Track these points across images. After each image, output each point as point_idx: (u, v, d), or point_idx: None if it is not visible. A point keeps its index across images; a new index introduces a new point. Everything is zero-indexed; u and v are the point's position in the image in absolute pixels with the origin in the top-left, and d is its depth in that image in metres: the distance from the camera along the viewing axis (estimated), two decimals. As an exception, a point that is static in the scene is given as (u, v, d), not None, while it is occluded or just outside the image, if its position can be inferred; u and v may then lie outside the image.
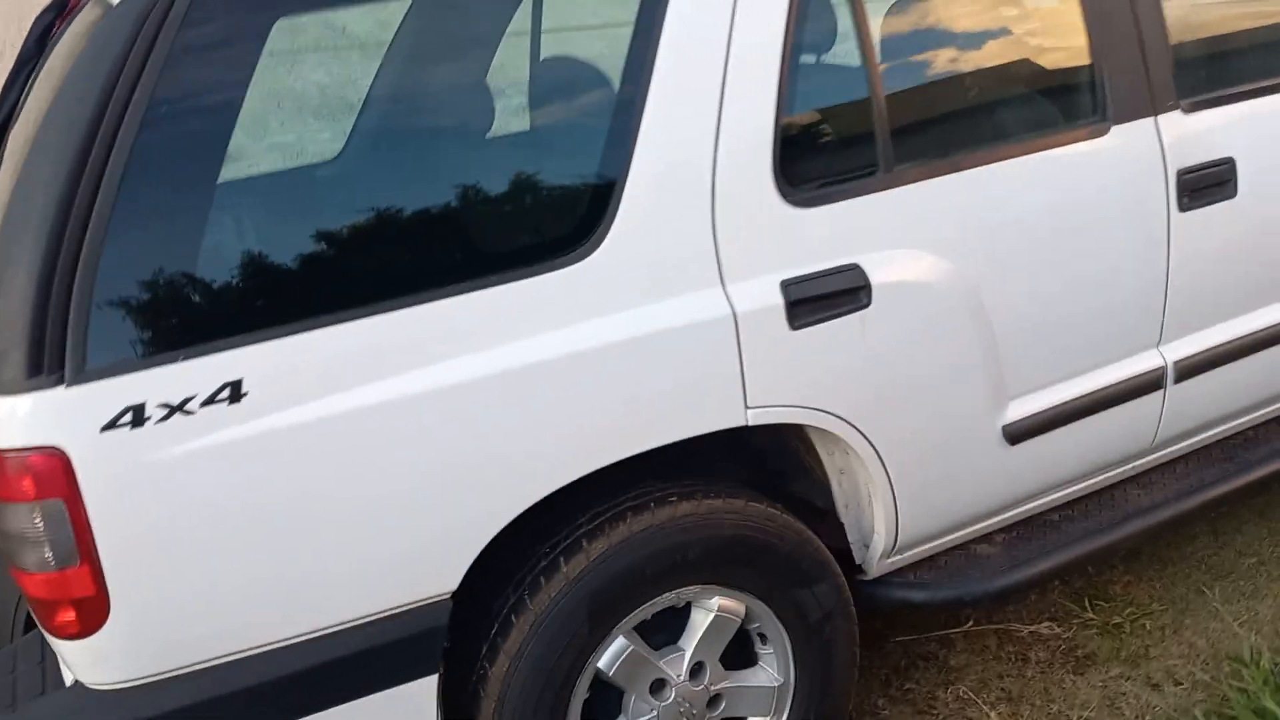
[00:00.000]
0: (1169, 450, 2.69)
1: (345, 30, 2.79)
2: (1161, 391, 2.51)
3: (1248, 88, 2.52)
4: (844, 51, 2.15)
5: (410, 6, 2.33)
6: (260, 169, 2.48)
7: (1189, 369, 2.53)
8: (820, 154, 2.15)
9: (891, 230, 2.13)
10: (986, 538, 2.55)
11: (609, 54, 2.00)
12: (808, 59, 2.13)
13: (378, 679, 1.89)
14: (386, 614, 1.86)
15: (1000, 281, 2.25)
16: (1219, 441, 2.80)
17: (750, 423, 2.04)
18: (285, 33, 1.84)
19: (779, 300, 2.02)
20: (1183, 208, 2.41)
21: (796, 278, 2.03)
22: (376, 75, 2.56)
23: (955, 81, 2.29)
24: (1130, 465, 2.62)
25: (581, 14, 2.33)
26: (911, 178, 2.14)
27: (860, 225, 2.10)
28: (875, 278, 2.09)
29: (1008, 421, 2.33)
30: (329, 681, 1.86)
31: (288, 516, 1.75)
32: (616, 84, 1.98)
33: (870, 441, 2.17)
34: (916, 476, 2.26)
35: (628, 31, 1.96)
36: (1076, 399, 2.41)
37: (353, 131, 2.57)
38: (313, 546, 1.78)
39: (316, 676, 1.84)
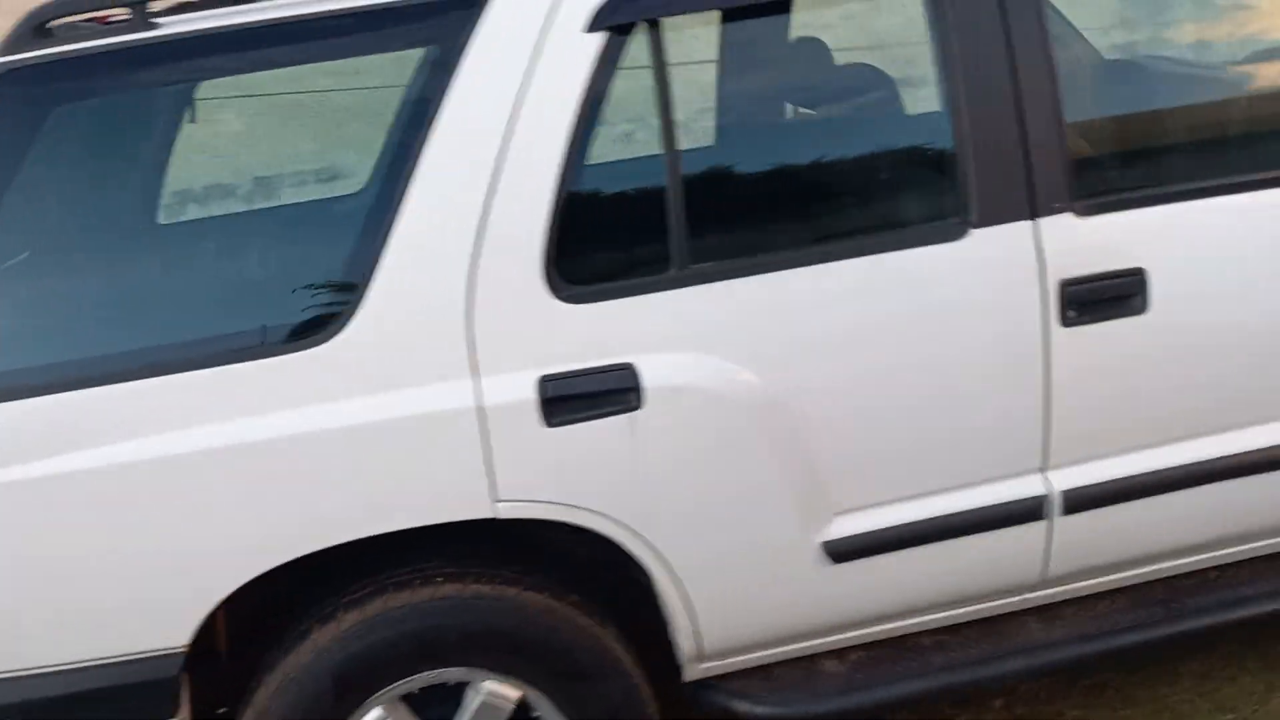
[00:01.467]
0: (1096, 582, 2.40)
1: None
2: (1046, 521, 2.25)
3: (1178, 188, 2.20)
4: (644, 141, 2.07)
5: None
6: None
7: (1088, 499, 2.25)
8: (604, 249, 2.09)
9: (680, 332, 2.04)
10: (839, 653, 2.38)
11: (380, 135, 2.03)
12: (600, 151, 2.06)
13: (123, 714, 2.03)
14: (120, 658, 1.99)
15: (819, 394, 2.09)
16: (1166, 579, 2.47)
17: (501, 515, 2.02)
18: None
19: (533, 396, 1.98)
20: (1068, 322, 2.15)
21: (556, 374, 1.99)
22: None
23: (773, 174, 2.15)
24: (1021, 597, 2.36)
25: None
26: (708, 278, 2.04)
27: (642, 325, 2.03)
28: (650, 380, 2.01)
29: (830, 538, 2.17)
30: (81, 711, 2.02)
31: (21, 562, 1.92)
32: (384, 165, 2.01)
33: (652, 546, 2.09)
34: (713, 585, 2.15)
35: (404, 112, 1.99)
36: (925, 520, 2.20)
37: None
38: (45, 591, 1.94)
39: (66, 704, 2.01)
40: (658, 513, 2.07)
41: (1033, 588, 2.34)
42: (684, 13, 2.08)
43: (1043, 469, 2.24)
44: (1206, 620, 2.41)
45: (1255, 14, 2.52)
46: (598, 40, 2.01)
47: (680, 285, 2.03)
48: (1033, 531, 2.25)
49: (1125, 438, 2.24)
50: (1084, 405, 2.20)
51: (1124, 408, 2.22)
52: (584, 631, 2.15)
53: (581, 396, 2.00)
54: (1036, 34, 2.13)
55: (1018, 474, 2.23)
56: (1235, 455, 2.28)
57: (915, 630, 2.37)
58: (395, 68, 2.03)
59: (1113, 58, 2.43)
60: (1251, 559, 2.48)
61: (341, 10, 2.00)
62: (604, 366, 2.00)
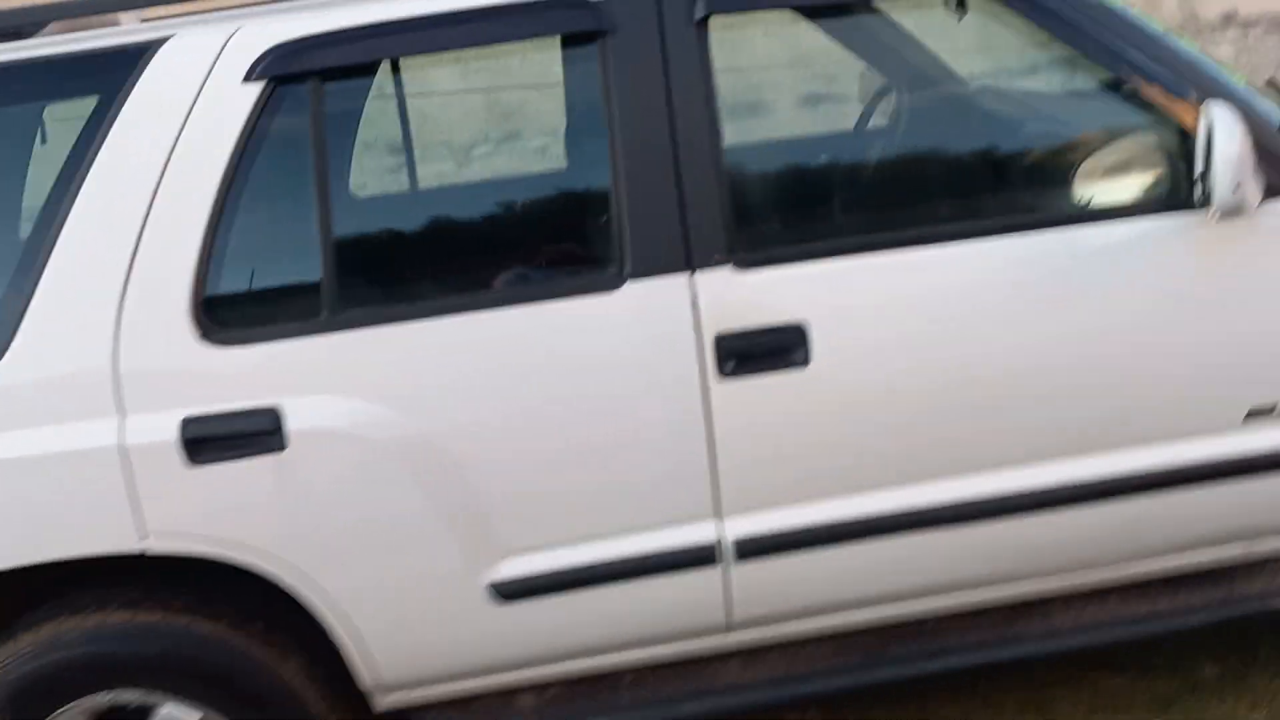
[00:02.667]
0: (807, 626, 2.41)
1: None
2: (720, 567, 2.27)
3: (836, 243, 2.19)
4: (298, 189, 2.14)
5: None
6: None
7: (761, 547, 2.26)
8: (254, 294, 2.17)
9: (329, 376, 2.11)
10: (540, 688, 2.43)
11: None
12: (254, 198, 2.13)
13: None
14: None
15: (475, 438, 2.15)
16: (881, 627, 2.47)
17: (152, 550, 2.11)
18: None
19: (176, 436, 2.07)
20: (726, 374, 2.16)
21: (200, 416, 2.08)
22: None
23: (425, 225, 2.20)
24: (720, 638, 2.37)
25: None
26: (359, 323, 2.11)
27: (291, 368, 2.10)
28: (294, 423, 2.09)
29: (499, 578, 2.22)
30: None
31: None
32: (45, 209, 2.11)
33: (312, 581, 2.17)
34: (379, 620, 2.22)
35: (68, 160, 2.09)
36: (597, 563, 2.24)
37: None
38: None
39: None
40: (312, 550, 2.15)
41: (724, 630, 2.36)
42: (342, 66, 2.14)
43: (716, 516, 2.25)
44: (908, 670, 2.40)
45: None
46: (255, 90, 2.09)
47: (330, 330, 2.11)
48: (708, 577, 2.27)
49: (797, 488, 2.25)
50: (750, 455, 2.22)
51: (791, 458, 2.23)
52: (257, 659, 2.24)
53: (224, 438, 2.08)
54: (699, 90, 2.16)
55: (690, 520, 2.25)
56: (915, 510, 2.27)
57: (619, 667, 2.42)
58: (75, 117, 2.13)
59: (791, 123, 2.43)
60: (970, 611, 2.47)
61: (13, 61, 2.12)
62: (246, 409, 2.08)
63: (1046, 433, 2.26)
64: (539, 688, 2.43)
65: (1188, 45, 2.41)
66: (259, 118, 2.09)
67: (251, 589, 2.24)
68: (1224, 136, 2.01)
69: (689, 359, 2.15)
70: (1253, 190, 2.05)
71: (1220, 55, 5.56)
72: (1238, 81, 2.37)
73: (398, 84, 2.40)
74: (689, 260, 2.15)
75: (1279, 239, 2.23)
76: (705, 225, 2.15)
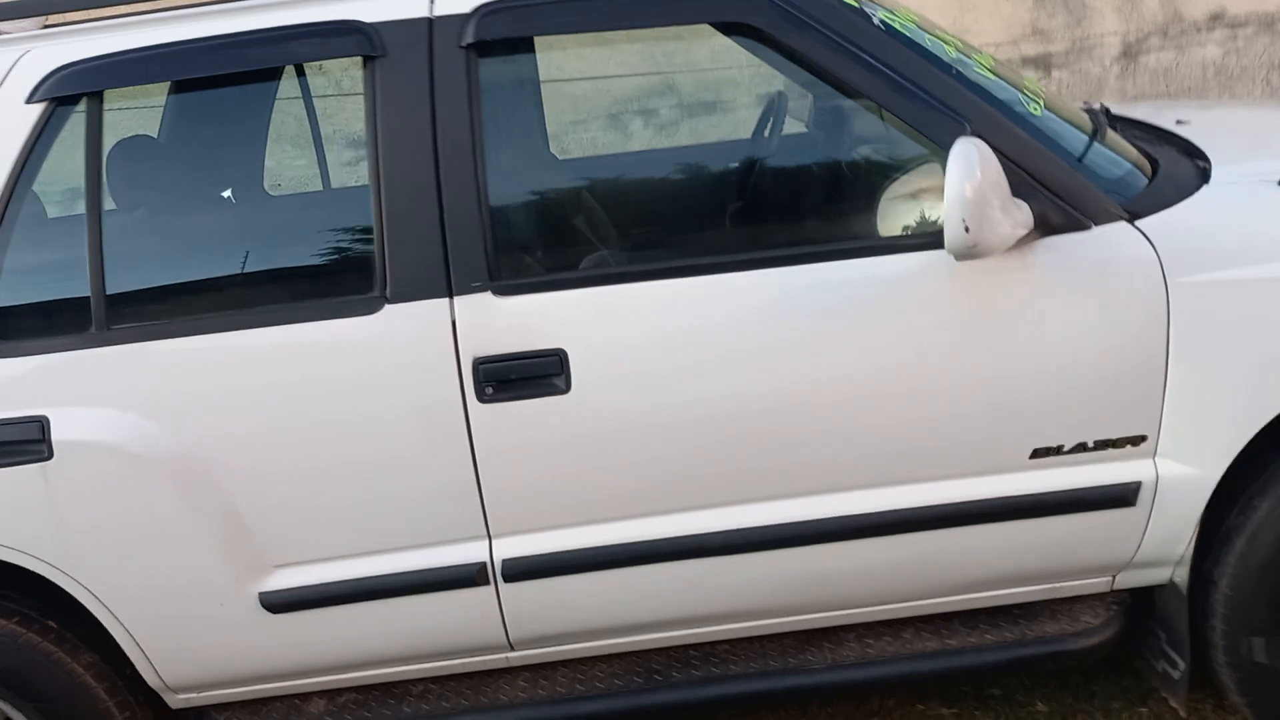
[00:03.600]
0: (596, 645, 2.42)
1: None
2: (491, 587, 2.29)
3: (599, 272, 2.19)
4: (72, 205, 2.20)
5: None
6: None
7: (529, 569, 2.28)
8: (28, 305, 2.24)
9: (95, 388, 2.17)
10: (334, 693, 2.49)
11: None
12: (33, 213, 2.20)
13: None
14: None
15: (239, 454, 2.20)
16: (669, 649, 2.47)
17: None
18: None
19: (-53, 444, 2.16)
20: (485, 399, 2.18)
21: (-33, 424, 2.16)
22: None
23: (192, 245, 2.25)
24: (506, 655, 2.40)
25: None
26: (127, 338, 2.17)
27: (60, 380, 2.17)
28: (59, 433, 2.16)
29: (267, 589, 2.28)
30: None
31: None
32: None
33: (84, 585, 2.25)
34: (153, 625, 2.29)
35: None
36: (368, 578, 2.28)
37: None
38: None
39: None
40: (83, 556, 2.23)
41: (507, 648, 2.39)
42: (120, 87, 2.19)
43: (485, 537, 2.28)
44: (688, 695, 2.41)
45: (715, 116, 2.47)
46: (37, 111, 2.16)
47: (100, 344, 2.17)
48: (481, 596, 2.30)
49: (563, 512, 2.26)
50: (514, 479, 2.23)
51: (555, 483, 2.24)
52: (47, 656, 2.33)
53: (-4, 446, 2.17)
54: (465, 116, 2.16)
55: (460, 540, 2.28)
56: (684, 537, 2.26)
57: (408, 678, 2.46)
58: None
59: (556, 152, 2.40)
60: (761, 637, 2.46)
61: None
62: (13, 418, 2.16)
63: (820, 465, 2.24)
64: (331, 693, 2.49)
65: (982, 71, 2.33)
66: (39, 137, 2.16)
67: (47, 589, 2.33)
68: (953, 175, 1.95)
69: (449, 382, 2.17)
70: (995, 230, 1.98)
71: (1206, 57, 5.37)
72: (1033, 110, 2.29)
73: (173, 107, 2.45)
74: (449, 285, 2.17)
75: (1055, 278, 2.17)
76: (466, 251, 2.16)
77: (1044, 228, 2.14)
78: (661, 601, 2.33)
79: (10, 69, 2.19)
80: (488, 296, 2.17)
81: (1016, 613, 2.44)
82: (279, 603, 2.29)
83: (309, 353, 2.19)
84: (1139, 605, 2.47)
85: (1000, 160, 2.11)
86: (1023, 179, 2.15)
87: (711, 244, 2.22)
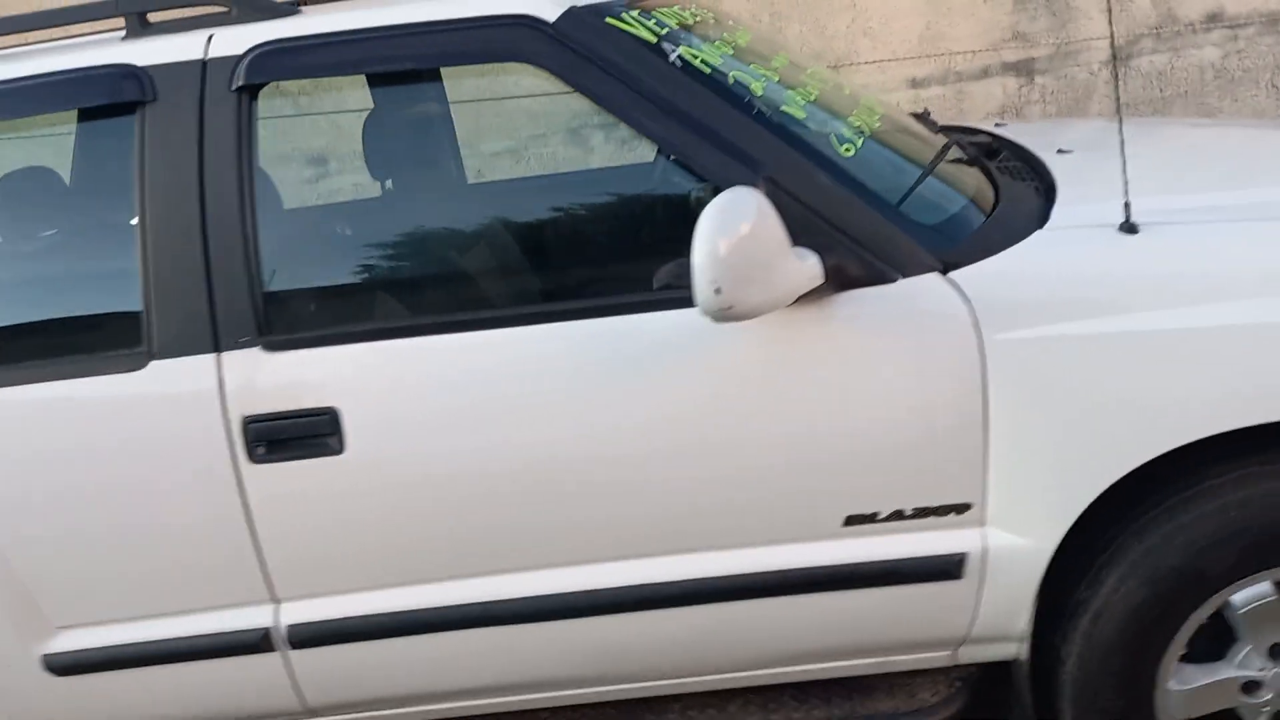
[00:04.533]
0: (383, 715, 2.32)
1: None
2: (279, 653, 2.19)
3: (372, 327, 2.07)
4: None
5: None
6: None
7: (316, 635, 2.17)
8: None
9: None
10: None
11: None
12: None
13: None
14: None
15: (10, 516, 2.14)
16: (511, 714, 2.35)
17: None
18: None
19: None
20: (257, 459, 2.08)
21: None
22: None
23: None
24: (305, 720, 2.31)
25: None
26: None
27: None
28: None
29: (50, 651, 2.21)
30: None
31: None
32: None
33: None
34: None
35: None
36: (151, 641, 2.20)
37: None
38: None
39: None
40: None
41: (305, 714, 2.29)
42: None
43: (273, 601, 2.18)
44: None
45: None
46: None
47: None
48: (269, 661, 2.20)
49: (347, 577, 2.15)
50: (294, 542, 2.13)
51: (335, 547, 2.13)
52: None
53: None
54: (234, 164, 2.06)
55: (245, 604, 2.18)
56: (472, 604, 2.13)
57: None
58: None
59: (321, 204, 2.27)
60: (584, 705, 2.33)
61: None
62: None
63: (607, 528, 2.09)
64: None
65: (797, 107, 2.15)
66: None
67: None
68: (702, 232, 1.78)
69: (219, 441, 2.08)
70: (759, 291, 1.80)
71: (1205, 59, 5.04)
72: (845, 151, 2.10)
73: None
74: (215, 341, 2.07)
75: (858, 334, 1.99)
76: (233, 304, 2.06)
77: (840, 281, 1.96)
78: (457, 670, 2.21)
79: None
80: (256, 352, 2.07)
81: (852, 686, 2.27)
82: (62, 665, 2.22)
83: (76, 410, 2.11)
84: (992, 681, 2.28)
85: (796, 208, 1.95)
86: (820, 228, 1.97)
87: (491, 298, 2.09)
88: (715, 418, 2.02)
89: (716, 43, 2.23)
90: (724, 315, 1.80)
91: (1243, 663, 2.12)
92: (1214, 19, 4.99)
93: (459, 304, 2.11)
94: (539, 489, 2.06)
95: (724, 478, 2.05)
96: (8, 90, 2.12)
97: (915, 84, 5.01)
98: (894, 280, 1.98)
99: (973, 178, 2.32)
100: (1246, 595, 2.06)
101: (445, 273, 2.16)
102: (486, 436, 2.05)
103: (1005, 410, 1.98)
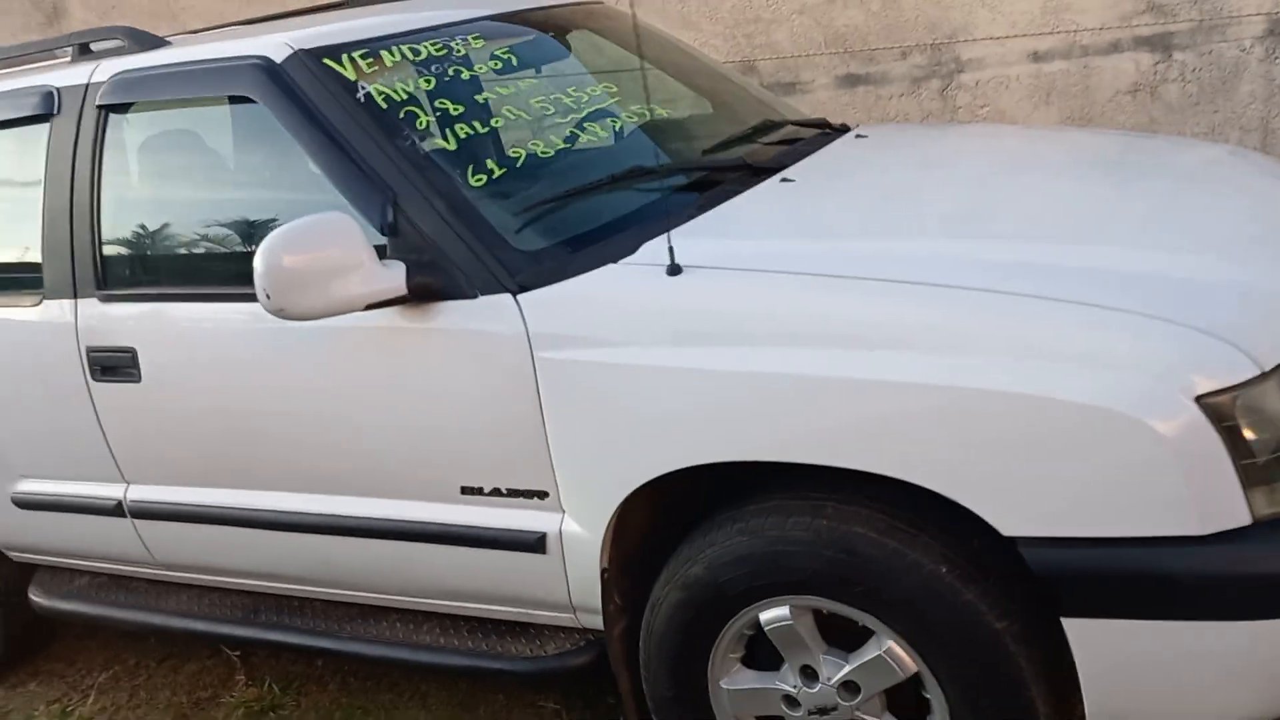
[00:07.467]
0: (198, 579, 3.11)
1: None
2: (129, 520, 3.01)
3: (156, 291, 2.75)
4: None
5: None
6: None
7: (147, 510, 2.97)
8: None
9: None
10: (90, 574, 3.37)
11: None
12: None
13: None
14: None
15: None
16: (261, 595, 3.05)
17: None
18: None
19: None
20: (97, 379, 2.87)
21: None
22: None
23: None
24: (153, 570, 3.14)
25: None
26: None
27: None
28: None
29: (16, 491, 3.20)
30: None
31: None
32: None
33: None
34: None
35: None
36: (60, 495, 3.12)
37: None
38: None
39: None
40: None
41: (152, 564, 3.11)
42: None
43: (123, 481, 3.00)
44: (264, 634, 2.96)
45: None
46: None
47: None
48: (124, 524, 3.03)
49: (161, 473, 2.90)
50: (125, 443, 2.92)
51: (148, 449, 2.88)
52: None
53: None
54: (90, 164, 2.83)
55: (110, 480, 3.02)
56: (234, 507, 2.80)
57: (147, 576, 3.26)
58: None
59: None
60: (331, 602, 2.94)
61: None
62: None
63: (300, 466, 2.66)
64: (91, 574, 3.38)
65: (448, 142, 2.50)
66: None
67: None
68: (264, 246, 2.23)
69: (75, 364, 2.90)
70: (310, 299, 2.24)
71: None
72: (474, 182, 2.44)
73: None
74: (74, 290, 2.88)
75: (445, 340, 2.37)
76: (84, 264, 2.86)
77: (424, 293, 2.35)
78: (230, 553, 2.91)
79: None
80: (95, 301, 2.86)
81: (501, 630, 2.68)
82: (21, 501, 3.20)
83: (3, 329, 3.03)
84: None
85: (408, 227, 2.37)
86: (422, 245, 2.37)
87: (226, 278, 2.68)
88: (342, 395, 2.52)
89: (423, 79, 2.63)
90: (279, 315, 2.29)
91: (783, 678, 2.29)
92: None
93: (207, 279, 2.74)
94: (249, 428, 2.68)
95: (358, 443, 2.55)
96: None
97: (1037, 58, 4.76)
98: (474, 297, 2.34)
99: (623, 202, 2.55)
100: (770, 616, 2.23)
101: (200, 254, 2.80)
102: (220, 380, 2.69)
103: (554, 417, 2.30)
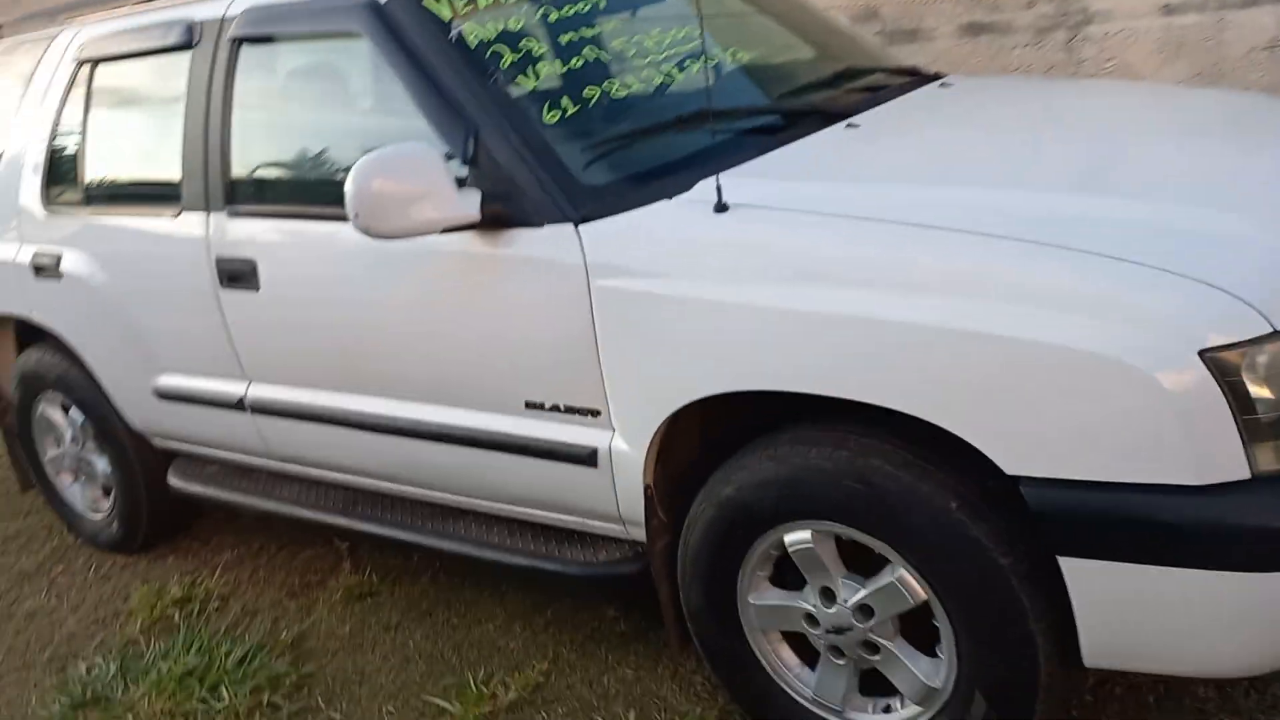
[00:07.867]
0: (306, 472, 3.44)
1: None
2: (247, 413, 3.36)
3: (276, 209, 3.03)
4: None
5: None
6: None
7: (268, 408, 3.30)
8: None
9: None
10: (226, 463, 3.76)
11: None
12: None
13: None
14: None
15: (135, 301, 3.51)
16: (356, 490, 3.36)
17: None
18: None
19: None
20: (225, 286, 3.20)
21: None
22: None
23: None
24: (260, 458, 3.50)
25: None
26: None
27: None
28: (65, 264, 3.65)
29: (158, 386, 3.59)
30: None
31: None
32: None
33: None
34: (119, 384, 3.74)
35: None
36: (198, 390, 3.49)
37: None
38: None
39: None
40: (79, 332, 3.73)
41: (267, 455, 3.46)
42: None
43: (245, 379, 3.34)
44: (361, 526, 3.28)
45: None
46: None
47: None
48: (244, 417, 3.38)
49: (278, 374, 3.22)
50: (248, 345, 3.25)
51: (266, 353, 3.21)
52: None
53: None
54: (224, 93, 3.13)
55: (234, 379, 3.37)
56: (347, 410, 3.09)
57: (264, 467, 3.63)
58: None
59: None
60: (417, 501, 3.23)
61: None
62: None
63: (395, 376, 2.92)
64: (220, 462, 3.77)
65: (529, 80, 2.67)
66: None
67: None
68: (354, 172, 2.45)
69: (208, 271, 3.24)
70: (391, 221, 2.46)
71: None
72: (549, 118, 2.61)
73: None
74: (207, 205, 3.21)
75: (514, 266, 2.57)
76: (216, 183, 3.18)
77: (495, 221, 2.56)
78: (332, 450, 3.22)
79: None
80: (223, 216, 3.18)
81: (560, 537, 2.90)
82: (162, 393, 3.60)
83: (143, 238, 3.39)
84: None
85: (486, 159, 2.58)
86: (498, 176, 2.57)
87: (338, 196, 2.92)
88: (426, 312, 2.76)
89: (513, 19, 2.81)
90: (366, 233, 2.53)
91: (805, 597, 2.44)
92: None
93: (316, 199, 2.99)
94: (349, 338, 2.96)
95: (439, 358, 2.79)
96: (129, 31, 3.40)
97: (1169, 10, 4.61)
98: (539, 226, 2.54)
99: (688, 142, 2.69)
100: (793, 538, 2.39)
101: (311, 178, 3.06)
102: (324, 293, 2.97)
103: (606, 341, 2.48)
